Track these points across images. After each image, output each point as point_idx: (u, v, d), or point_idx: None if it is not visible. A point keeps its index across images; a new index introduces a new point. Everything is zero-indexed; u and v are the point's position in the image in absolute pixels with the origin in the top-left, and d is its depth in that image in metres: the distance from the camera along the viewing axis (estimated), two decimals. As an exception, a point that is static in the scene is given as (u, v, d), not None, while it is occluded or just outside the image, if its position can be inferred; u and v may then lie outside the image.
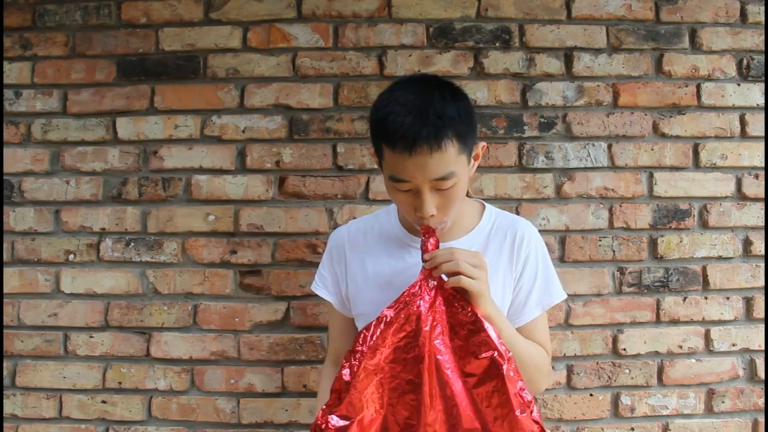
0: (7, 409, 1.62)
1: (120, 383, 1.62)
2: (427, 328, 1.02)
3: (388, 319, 1.04)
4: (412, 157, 1.00)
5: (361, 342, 1.04)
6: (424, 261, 1.06)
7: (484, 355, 1.00)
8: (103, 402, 1.62)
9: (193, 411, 1.61)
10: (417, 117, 1.01)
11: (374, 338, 1.03)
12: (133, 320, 1.63)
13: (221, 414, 1.61)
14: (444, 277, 1.05)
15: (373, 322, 1.04)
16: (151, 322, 1.63)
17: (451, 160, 1.03)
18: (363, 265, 1.22)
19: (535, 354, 1.16)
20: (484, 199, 1.43)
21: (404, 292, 1.05)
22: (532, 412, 1.00)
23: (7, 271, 1.66)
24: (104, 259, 1.65)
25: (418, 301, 1.04)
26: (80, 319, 1.64)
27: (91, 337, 1.64)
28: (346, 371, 1.03)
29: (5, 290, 1.65)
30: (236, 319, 1.62)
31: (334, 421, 1.02)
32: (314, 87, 1.66)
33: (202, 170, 1.66)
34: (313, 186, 1.65)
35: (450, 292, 1.05)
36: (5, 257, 1.66)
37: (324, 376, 1.32)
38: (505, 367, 1.00)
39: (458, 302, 1.04)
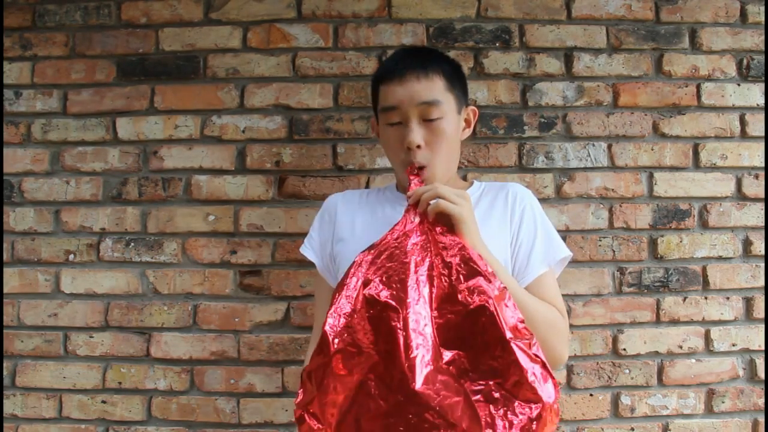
0: (7, 409, 1.62)
1: (120, 383, 1.62)
2: (410, 262, 0.98)
3: (367, 259, 1.00)
4: (401, 83, 1.12)
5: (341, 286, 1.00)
6: (407, 199, 1.07)
7: (469, 282, 0.95)
8: (103, 402, 1.62)
9: (193, 411, 1.61)
10: (408, 52, 1.21)
11: (354, 281, 0.98)
12: (133, 320, 1.63)
13: (221, 414, 1.61)
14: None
15: (351, 265, 1.01)
16: (151, 322, 1.63)
17: (438, 89, 1.13)
18: (352, 223, 1.23)
19: (544, 310, 1.09)
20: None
21: (386, 234, 1.03)
22: (530, 346, 0.93)
23: (7, 271, 1.66)
24: (104, 259, 1.65)
25: (399, 237, 1.01)
26: (80, 319, 1.64)
27: (91, 337, 1.64)
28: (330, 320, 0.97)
29: (5, 290, 1.65)
30: (236, 319, 1.62)
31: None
32: (314, 87, 1.66)
33: (202, 170, 1.66)
34: (313, 186, 1.65)
35: (434, 225, 1.02)
36: (5, 257, 1.66)
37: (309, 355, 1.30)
38: (493, 292, 0.93)
39: (443, 235, 1.01)
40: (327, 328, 0.96)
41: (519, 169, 1.64)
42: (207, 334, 1.63)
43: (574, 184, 1.64)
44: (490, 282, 0.95)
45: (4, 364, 1.64)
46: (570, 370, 1.60)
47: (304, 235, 1.61)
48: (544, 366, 0.93)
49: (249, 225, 1.64)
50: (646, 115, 1.66)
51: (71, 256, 1.66)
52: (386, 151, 1.22)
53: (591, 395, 1.60)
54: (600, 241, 1.63)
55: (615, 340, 1.61)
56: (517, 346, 0.91)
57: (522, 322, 0.95)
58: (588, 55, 1.66)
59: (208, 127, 1.67)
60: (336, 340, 0.95)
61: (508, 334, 0.91)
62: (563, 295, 1.57)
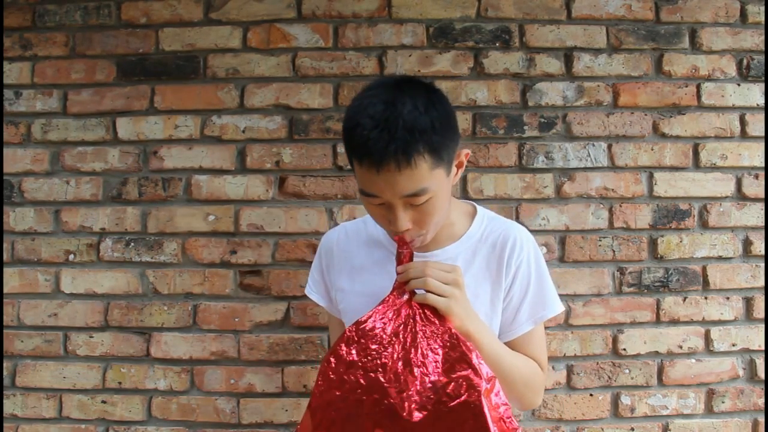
0: (7, 409, 1.62)
1: (120, 383, 1.62)
2: (396, 344, 0.96)
3: (355, 335, 0.99)
4: (380, 174, 0.94)
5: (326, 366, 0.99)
6: (397, 273, 1.02)
7: (459, 373, 0.93)
8: (103, 402, 1.62)
9: (193, 411, 1.61)
10: (384, 131, 0.93)
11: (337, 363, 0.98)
12: (133, 320, 1.63)
13: (221, 414, 1.61)
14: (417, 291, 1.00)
15: (341, 337, 1.00)
16: (151, 322, 1.63)
17: (424, 176, 0.96)
18: (351, 277, 1.19)
19: (525, 371, 1.10)
20: (483, 200, 1.43)
21: (374, 308, 1.01)
22: None
23: (7, 271, 1.66)
24: (104, 259, 1.65)
25: (387, 313, 0.99)
26: (80, 319, 1.64)
27: (91, 337, 1.64)
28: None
29: (5, 290, 1.65)
30: (236, 319, 1.62)
31: None
32: (314, 87, 1.66)
33: (202, 170, 1.66)
34: (313, 186, 1.65)
35: (423, 305, 1.00)
36: (5, 257, 1.66)
37: None
38: (483, 387, 0.92)
39: (432, 317, 0.99)
40: (313, 404, 0.97)
41: (519, 169, 1.64)
42: (207, 334, 1.63)
43: (574, 184, 1.64)
44: (479, 376, 0.93)
45: (4, 364, 1.64)
46: (570, 370, 1.60)
47: (304, 234, 1.63)
48: None
49: (249, 225, 1.64)
50: (646, 115, 1.66)
51: (71, 256, 1.66)
52: (368, 213, 1.09)
53: (591, 395, 1.60)
54: (600, 241, 1.63)
55: (615, 340, 1.61)
56: None
57: (508, 408, 0.95)
58: (588, 55, 1.66)
59: (208, 127, 1.67)
60: (318, 415, 0.97)
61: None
62: (563, 296, 1.59)
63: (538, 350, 1.16)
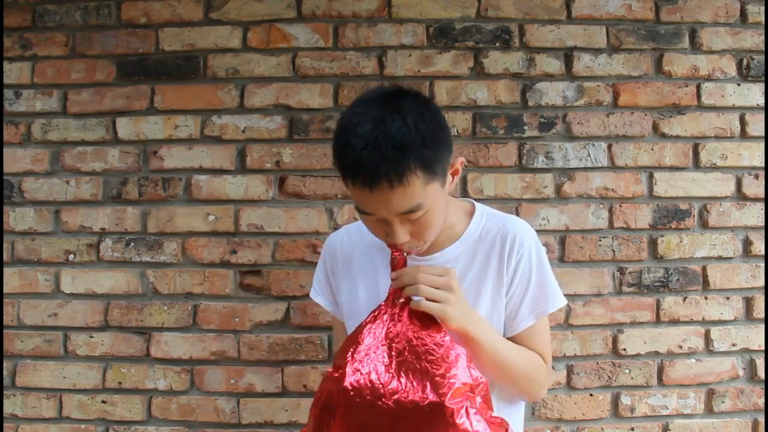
0: (7, 409, 1.62)
1: (120, 383, 1.62)
2: (391, 348, 0.98)
3: (352, 343, 1.01)
4: (373, 192, 0.94)
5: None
6: (391, 279, 1.03)
7: (448, 379, 0.95)
8: (103, 402, 1.62)
9: (193, 411, 1.61)
10: (374, 151, 0.92)
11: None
12: (133, 320, 1.63)
13: (221, 414, 1.61)
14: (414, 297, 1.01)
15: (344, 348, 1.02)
16: (151, 322, 1.63)
17: (417, 192, 0.95)
18: (352, 280, 1.20)
19: (527, 365, 1.11)
20: (483, 200, 1.43)
21: (369, 315, 1.02)
22: None
23: (7, 271, 1.66)
24: (104, 259, 1.65)
25: (382, 319, 1.01)
26: (80, 319, 1.64)
27: (91, 337, 1.64)
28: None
29: (5, 290, 1.65)
30: (236, 319, 1.62)
31: None
32: (314, 87, 1.66)
33: (202, 170, 1.66)
34: (313, 186, 1.65)
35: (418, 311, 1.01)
36: (5, 257, 1.66)
37: None
38: (471, 386, 0.95)
39: (427, 321, 1.00)
40: (315, 403, 1.01)
41: (519, 169, 1.64)
42: (207, 334, 1.63)
43: (574, 184, 1.64)
44: (469, 376, 0.96)
45: (4, 364, 1.64)
46: (570, 370, 1.60)
47: (304, 234, 1.63)
48: None
49: (249, 225, 1.64)
50: (646, 115, 1.66)
51: (71, 256, 1.66)
52: (366, 228, 1.09)
53: (591, 395, 1.60)
54: (600, 241, 1.63)
55: (615, 340, 1.61)
56: None
57: (492, 410, 0.98)
58: (588, 55, 1.66)
59: (208, 127, 1.67)
60: (318, 411, 1.00)
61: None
62: (563, 295, 1.58)
63: (542, 344, 1.16)
